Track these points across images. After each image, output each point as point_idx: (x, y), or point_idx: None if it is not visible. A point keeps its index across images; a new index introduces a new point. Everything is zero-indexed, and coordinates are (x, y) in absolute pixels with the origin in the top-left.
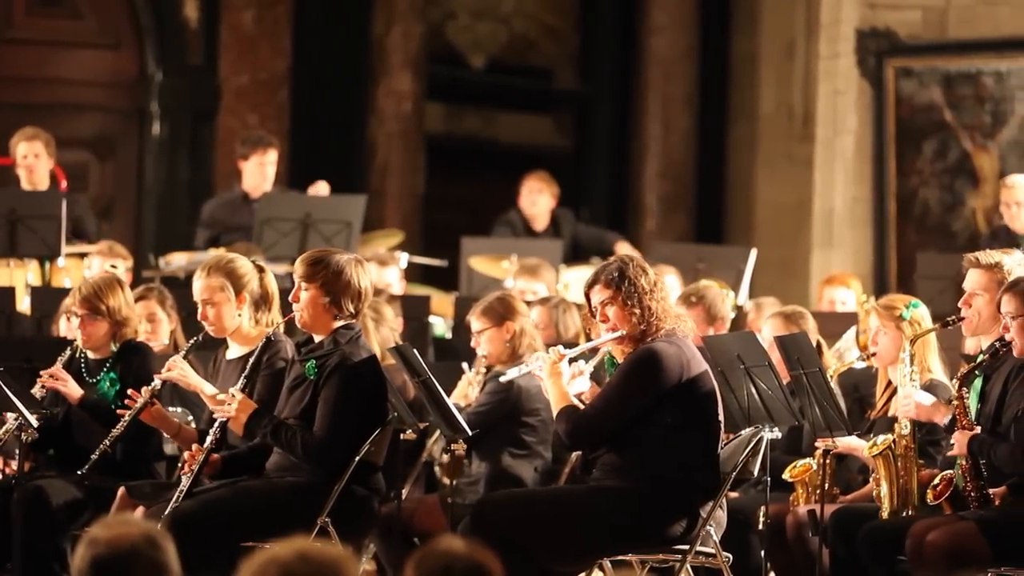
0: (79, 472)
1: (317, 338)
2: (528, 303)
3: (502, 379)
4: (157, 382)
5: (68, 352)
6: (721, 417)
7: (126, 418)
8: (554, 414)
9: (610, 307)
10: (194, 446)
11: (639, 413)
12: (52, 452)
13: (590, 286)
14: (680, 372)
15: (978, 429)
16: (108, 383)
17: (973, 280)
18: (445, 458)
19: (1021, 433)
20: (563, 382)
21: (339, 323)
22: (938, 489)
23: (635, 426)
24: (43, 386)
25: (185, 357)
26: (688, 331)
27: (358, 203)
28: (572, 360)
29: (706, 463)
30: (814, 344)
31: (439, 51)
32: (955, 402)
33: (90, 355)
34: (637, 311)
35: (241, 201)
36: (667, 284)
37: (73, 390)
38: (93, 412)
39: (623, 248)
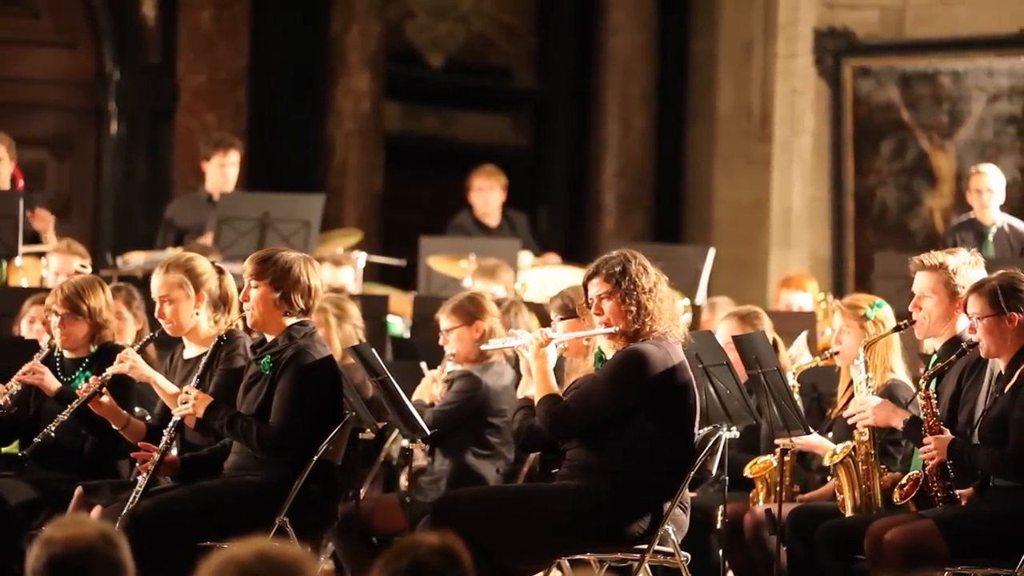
0: (20, 454)
1: (270, 337)
2: None
3: (484, 347)
4: (108, 372)
5: (45, 350)
6: (697, 428)
7: (73, 405)
8: (536, 397)
9: (607, 301)
10: (150, 446)
11: (620, 413)
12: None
13: (590, 277)
14: (664, 376)
15: (949, 432)
16: (83, 382)
17: (920, 282)
18: (422, 457)
19: (990, 435)
20: (548, 367)
21: (291, 320)
22: (905, 489)
23: (609, 426)
24: (16, 383)
25: (140, 351)
26: (680, 337)
27: (316, 202)
28: (558, 345)
29: (675, 467)
30: (771, 343)
31: (397, 50)
32: (922, 403)
33: (67, 355)
34: (633, 309)
35: (205, 202)
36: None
37: (51, 383)
38: (67, 404)
39: (522, 257)
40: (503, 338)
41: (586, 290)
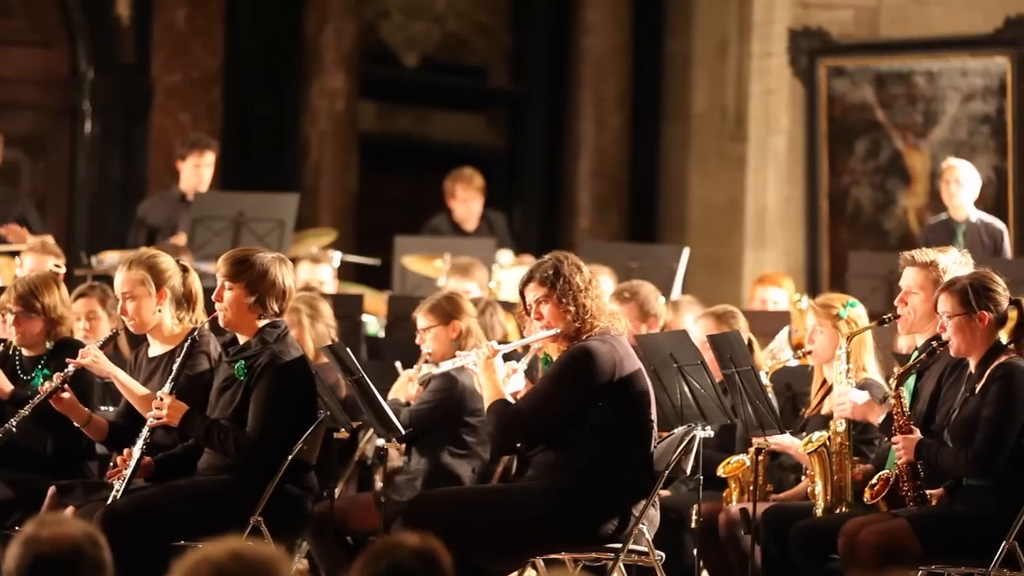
0: None
1: (242, 338)
2: None
3: (434, 371)
4: (71, 368)
5: (1, 348)
6: (654, 416)
7: (35, 401)
8: (486, 405)
9: (545, 305)
10: (125, 450)
11: (570, 411)
12: None
13: (525, 283)
14: (612, 371)
15: (918, 432)
16: (42, 379)
17: (909, 278)
18: (396, 457)
19: (960, 434)
20: (496, 377)
21: (264, 322)
22: (875, 489)
23: (568, 425)
24: None
25: (103, 347)
26: (622, 329)
27: (291, 202)
28: (506, 356)
29: (639, 462)
30: (746, 342)
31: (372, 49)
32: (892, 401)
33: (25, 352)
34: (571, 309)
35: (178, 201)
36: (602, 283)
37: (3, 384)
38: (22, 406)
39: (501, 255)
40: (450, 360)
41: (523, 297)
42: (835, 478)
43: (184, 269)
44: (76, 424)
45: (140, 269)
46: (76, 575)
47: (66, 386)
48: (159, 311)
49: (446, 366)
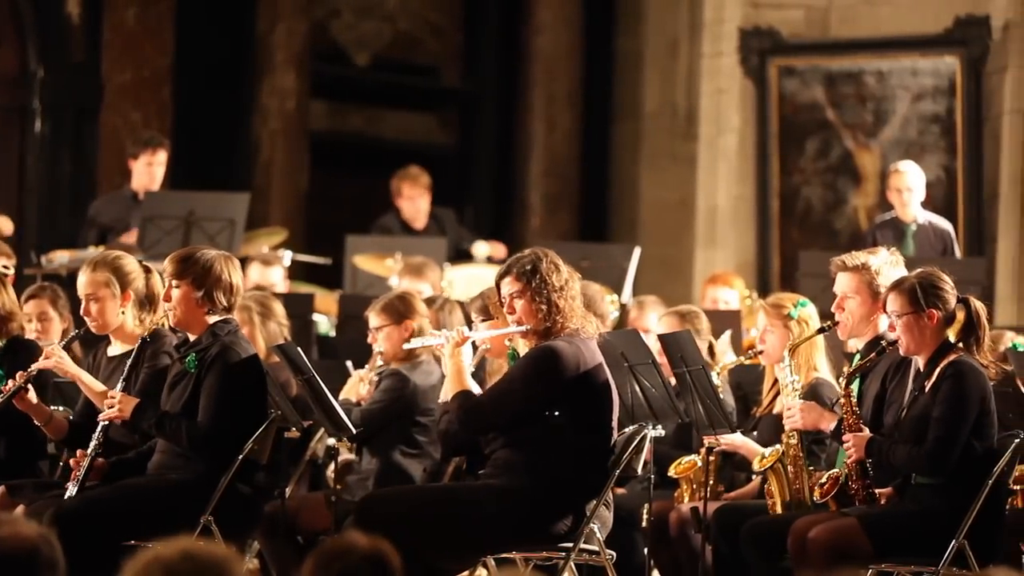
0: None
1: (193, 337)
2: None
3: (406, 346)
4: (33, 368)
5: None
6: (616, 419)
7: None
8: (448, 394)
9: (519, 300)
10: (78, 452)
11: (531, 409)
12: None
13: (502, 276)
14: (576, 372)
15: (867, 430)
16: None
17: (843, 283)
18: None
19: (910, 433)
20: (463, 364)
21: (214, 318)
22: (825, 487)
23: (526, 424)
24: None
25: (65, 348)
26: (593, 333)
27: (241, 201)
28: (474, 344)
29: (595, 463)
30: (705, 344)
31: (323, 48)
32: (842, 401)
33: None
34: (544, 307)
35: (129, 200)
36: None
37: None
38: None
39: (477, 248)
40: (421, 338)
41: (499, 289)
42: (793, 489)
43: (147, 270)
44: (37, 423)
45: (105, 271)
46: (32, 574)
47: (29, 386)
48: (122, 312)
49: (416, 343)
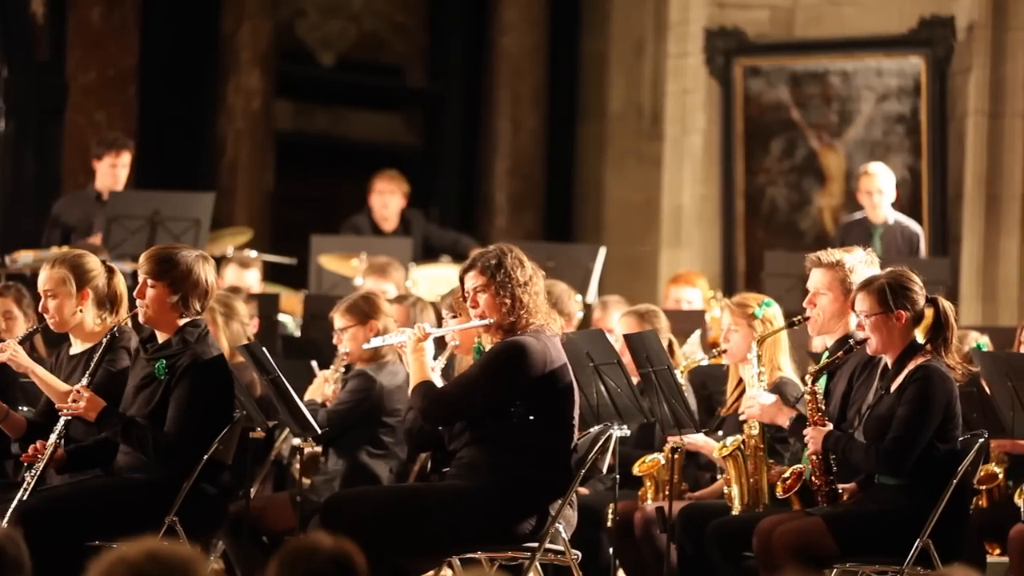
0: None
1: (161, 336)
2: None
3: (366, 345)
4: None
5: None
6: (577, 418)
7: None
8: (411, 387)
9: (482, 294)
10: (38, 442)
11: (496, 403)
12: None
13: (466, 270)
14: (542, 369)
15: (831, 426)
16: None
17: (816, 279)
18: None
19: (873, 431)
20: (426, 359)
21: (184, 320)
22: (788, 483)
23: (490, 423)
24: None
25: (23, 343)
26: (556, 330)
27: (206, 201)
28: (436, 341)
29: (559, 463)
30: (665, 343)
31: (288, 48)
32: (807, 398)
33: None
34: (508, 302)
35: (93, 200)
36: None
37: None
38: None
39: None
40: (382, 336)
41: (463, 283)
42: (751, 480)
43: (110, 271)
44: None
45: (63, 268)
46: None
47: None
48: (80, 311)
49: (376, 342)
